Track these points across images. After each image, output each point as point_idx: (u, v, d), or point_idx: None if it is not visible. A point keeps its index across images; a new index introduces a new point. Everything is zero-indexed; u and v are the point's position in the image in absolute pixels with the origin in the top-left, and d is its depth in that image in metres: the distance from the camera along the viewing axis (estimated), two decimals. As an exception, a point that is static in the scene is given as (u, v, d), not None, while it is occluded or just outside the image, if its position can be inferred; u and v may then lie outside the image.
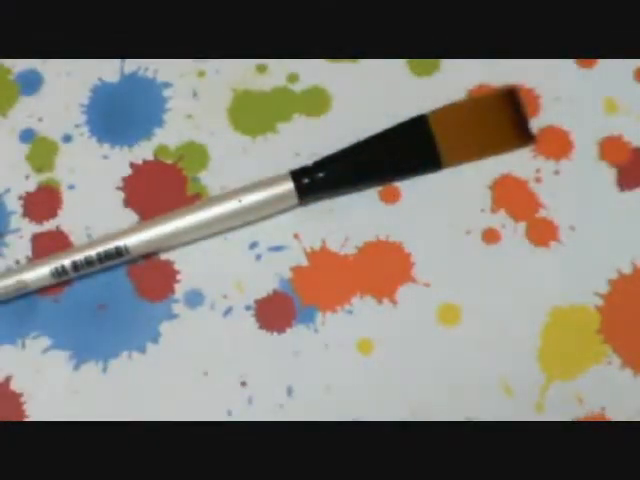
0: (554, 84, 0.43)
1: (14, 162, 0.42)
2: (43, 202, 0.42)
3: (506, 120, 0.42)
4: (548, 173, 0.41)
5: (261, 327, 0.40)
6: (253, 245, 0.41)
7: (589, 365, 0.39)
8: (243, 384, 0.39)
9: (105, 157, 0.42)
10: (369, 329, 0.39)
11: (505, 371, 0.39)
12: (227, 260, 0.41)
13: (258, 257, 0.41)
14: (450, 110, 0.42)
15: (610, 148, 0.42)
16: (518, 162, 0.42)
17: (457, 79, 0.43)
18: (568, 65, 0.43)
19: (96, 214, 0.41)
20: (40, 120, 0.43)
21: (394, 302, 0.40)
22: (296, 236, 0.41)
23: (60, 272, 0.39)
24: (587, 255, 0.40)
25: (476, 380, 0.39)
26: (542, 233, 0.41)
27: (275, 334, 0.40)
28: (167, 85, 0.43)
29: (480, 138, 0.41)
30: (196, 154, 0.42)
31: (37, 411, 0.39)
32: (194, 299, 0.40)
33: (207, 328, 0.40)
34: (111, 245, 0.39)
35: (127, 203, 0.42)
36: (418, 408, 0.38)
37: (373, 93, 0.43)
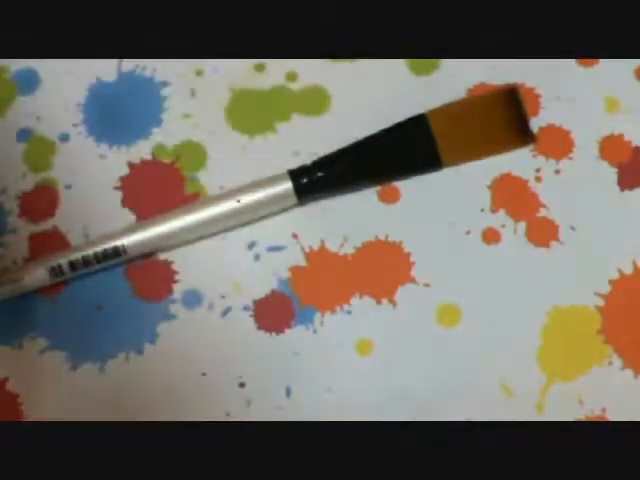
0: (554, 83, 0.43)
1: (11, 161, 0.42)
2: (40, 202, 0.42)
3: (506, 119, 0.41)
4: (548, 173, 0.41)
5: (260, 328, 0.40)
6: (251, 245, 0.41)
7: (590, 366, 0.39)
8: (242, 385, 0.39)
9: (102, 157, 0.42)
10: (368, 329, 0.39)
11: (505, 371, 0.38)
12: (225, 260, 0.40)
13: (257, 257, 0.40)
14: (450, 109, 0.41)
15: (611, 147, 0.41)
16: (518, 162, 0.41)
17: (457, 78, 0.43)
18: (568, 65, 0.43)
19: (94, 214, 0.41)
20: (37, 119, 0.43)
21: (393, 302, 0.40)
22: (295, 236, 0.41)
23: (57, 272, 0.39)
24: (587, 255, 0.40)
25: (476, 380, 0.38)
26: (542, 233, 0.40)
27: (274, 335, 0.39)
28: (165, 84, 0.43)
29: (480, 137, 0.41)
30: (194, 153, 0.42)
31: (34, 412, 0.39)
32: (192, 299, 0.40)
33: (205, 329, 0.40)
34: (109, 245, 0.39)
35: (125, 203, 0.41)
36: (418, 408, 0.38)
37: (372, 93, 0.43)
